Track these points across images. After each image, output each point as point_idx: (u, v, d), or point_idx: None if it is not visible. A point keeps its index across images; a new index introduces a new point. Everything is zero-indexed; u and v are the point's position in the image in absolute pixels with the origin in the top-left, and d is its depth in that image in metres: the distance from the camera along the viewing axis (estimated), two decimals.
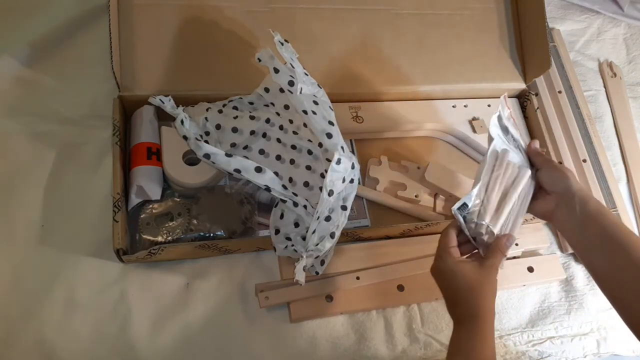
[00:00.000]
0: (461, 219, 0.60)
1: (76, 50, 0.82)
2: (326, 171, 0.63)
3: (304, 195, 0.68)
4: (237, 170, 0.63)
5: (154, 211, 0.69)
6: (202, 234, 0.69)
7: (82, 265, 0.68)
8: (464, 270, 0.58)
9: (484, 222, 0.59)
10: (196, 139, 0.64)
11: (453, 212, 0.59)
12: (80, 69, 0.81)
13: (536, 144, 0.66)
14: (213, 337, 0.68)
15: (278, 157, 0.71)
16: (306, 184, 0.69)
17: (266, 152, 0.70)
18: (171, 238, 0.68)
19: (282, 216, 0.67)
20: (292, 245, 0.65)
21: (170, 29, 0.75)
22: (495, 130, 0.64)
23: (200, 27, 0.76)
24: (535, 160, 0.65)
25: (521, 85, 0.89)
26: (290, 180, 0.69)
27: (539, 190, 0.65)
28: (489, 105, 0.88)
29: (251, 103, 0.74)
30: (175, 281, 0.70)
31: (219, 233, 0.69)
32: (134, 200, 0.68)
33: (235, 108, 0.73)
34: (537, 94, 0.93)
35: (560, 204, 0.61)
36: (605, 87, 1.03)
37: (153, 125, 0.74)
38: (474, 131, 0.85)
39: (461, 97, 0.88)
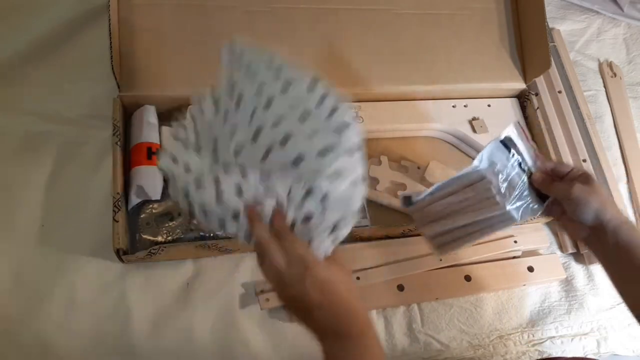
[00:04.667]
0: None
1: (76, 50, 0.82)
2: None
3: None
4: None
5: (154, 211, 0.69)
6: (202, 234, 0.69)
7: (82, 265, 0.68)
8: (339, 277, 0.50)
9: None
10: None
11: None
12: (80, 69, 0.80)
13: (538, 178, 0.61)
14: (213, 337, 0.67)
15: None
16: None
17: None
18: (171, 238, 0.68)
19: None
20: None
21: (170, 29, 0.75)
22: (487, 155, 0.61)
23: (200, 27, 0.76)
24: (550, 193, 0.61)
25: (521, 85, 0.89)
26: None
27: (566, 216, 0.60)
28: (489, 105, 0.88)
29: None
30: (175, 281, 0.70)
31: (219, 233, 0.69)
32: (134, 200, 0.68)
33: None
34: (537, 94, 0.93)
35: (592, 235, 0.59)
36: (605, 87, 1.03)
37: (153, 125, 0.73)
38: (474, 131, 0.85)
39: (461, 97, 0.88)
